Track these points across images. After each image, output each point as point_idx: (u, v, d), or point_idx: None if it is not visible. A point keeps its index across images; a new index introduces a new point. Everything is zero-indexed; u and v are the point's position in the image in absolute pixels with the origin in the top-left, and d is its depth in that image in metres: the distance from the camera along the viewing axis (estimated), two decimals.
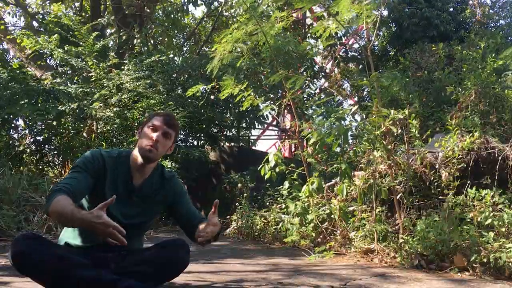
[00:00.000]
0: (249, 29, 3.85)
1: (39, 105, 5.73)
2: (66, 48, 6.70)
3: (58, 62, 7.38)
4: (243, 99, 4.16)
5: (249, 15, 3.90)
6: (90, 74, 6.67)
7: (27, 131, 6.41)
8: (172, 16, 11.76)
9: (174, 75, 7.47)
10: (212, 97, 7.65)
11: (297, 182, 4.04)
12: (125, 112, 6.32)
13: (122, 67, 6.84)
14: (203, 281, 2.43)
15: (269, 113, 8.53)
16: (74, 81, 7.14)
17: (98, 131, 6.28)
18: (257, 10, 3.92)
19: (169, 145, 2.02)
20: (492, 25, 10.06)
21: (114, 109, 6.19)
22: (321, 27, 3.88)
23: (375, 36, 4.66)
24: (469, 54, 5.74)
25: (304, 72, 8.83)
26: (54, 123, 6.16)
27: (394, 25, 9.93)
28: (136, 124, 6.25)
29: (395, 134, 3.73)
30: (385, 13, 9.56)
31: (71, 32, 7.08)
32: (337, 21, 3.71)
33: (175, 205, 2.10)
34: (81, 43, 6.89)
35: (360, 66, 10.52)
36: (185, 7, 10.38)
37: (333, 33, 8.82)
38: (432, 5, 9.30)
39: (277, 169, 3.91)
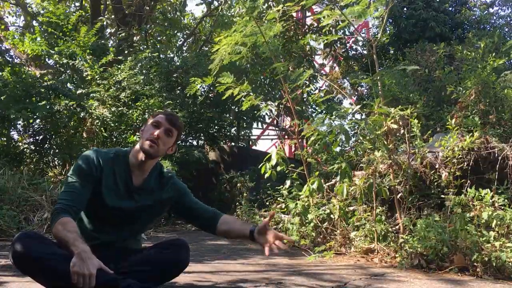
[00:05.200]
0: (248, 31, 3.86)
1: (36, 103, 5.69)
2: (59, 49, 6.67)
3: (56, 63, 7.36)
4: (243, 99, 4.15)
5: (248, 17, 3.90)
6: (86, 74, 6.65)
7: (26, 130, 6.40)
8: (170, 15, 11.76)
9: (174, 75, 7.46)
10: (211, 95, 7.65)
11: (298, 182, 4.03)
12: (124, 110, 6.30)
13: (118, 65, 6.83)
14: (204, 281, 2.43)
15: (267, 114, 8.53)
16: (74, 81, 7.14)
17: (97, 129, 6.27)
18: (255, 11, 3.92)
19: (170, 143, 2.02)
20: (489, 25, 10.08)
21: (112, 109, 6.18)
22: (328, 18, 3.84)
23: (382, 32, 4.56)
24: (469, 54, 5.74)
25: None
26: (51, 120, 6.13)
27: (393, 25, 9.96)
28: (136, 124, 6.24)
29: (398, 134, 3.71)
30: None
31: (61, 29, 7.06)
32: (343, 15, 3.69)
33: (181, 205, 2.11)
34: (72, 40, 6.85)
35: (357, 67, 10.53)
36: (183, 2, 10.37)
37: (335, 29, 8.81)
38: (429, 5, 9.34)
39: (278, 168, 3.89)
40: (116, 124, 6.25)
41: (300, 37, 9.32)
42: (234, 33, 3.97)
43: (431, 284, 2.58)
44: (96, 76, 6.56)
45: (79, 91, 6.30)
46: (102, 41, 7.11)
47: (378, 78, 3.72)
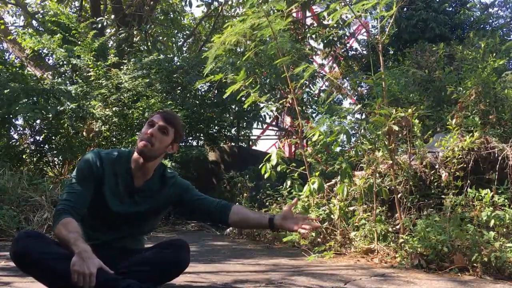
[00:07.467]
0: (256, 22, 3.77)
1: (38, 104, 5.71)
2: (66, 47, 6.70)
3: (59, 61, 7.36)
4: (244, 99, 4.13)
5: (256, 9, 3.83)
6: (89, 74, 6.67)
7: (26, 130, 6.41)
8: (170, 15, 11.77)
9: (175, 75, 7.47)
10: (210, 94, 7.65)
11: (298, 182, 4.02)
12: (125, 111, 6.32)
13: (121, 67, 6.85)
14: (204, 281, 2.43)
15: (268, 113, 8.52)
16: (74, 80, 7.14)
17: (96, 129, 6.28)
18: (265, 4, 3.88)
19: (167, 142, 1.99)
20: (488, 25, 10.09)
21: (114, 109, 6.20)
22: (336, 12, 3.79)
23: (389, 30, 4.46)
24: (469, 53, 5.75)
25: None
26: (53, 121, 6.14)
27: (392, 25, 9.99)
28: (136, 123, 6.25)
29: (400, 135, 3.70)
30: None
31: (69, 31, 7.09)
32: (352, 11, 3.66)
33: (187, 200, 2.08)
34: (79, 42, 6.89)
35: (357, 67, 10.53)
36: (184, 3, 10.40)
37: (336, 29, 8.79)
38: (429, 6, 9.35)
39: (278, 168, 3.88)
40: (118, 123, 6.27)
41: (299, 37, 9.32)
42: (240, 23, 3.89)
43: (431, 284, 2.58)
44: (100, 78, 6.57)
45: (79, 90, 6.30)
46: (100, 42, 7.10)
47: (381, 77, 3.70)
